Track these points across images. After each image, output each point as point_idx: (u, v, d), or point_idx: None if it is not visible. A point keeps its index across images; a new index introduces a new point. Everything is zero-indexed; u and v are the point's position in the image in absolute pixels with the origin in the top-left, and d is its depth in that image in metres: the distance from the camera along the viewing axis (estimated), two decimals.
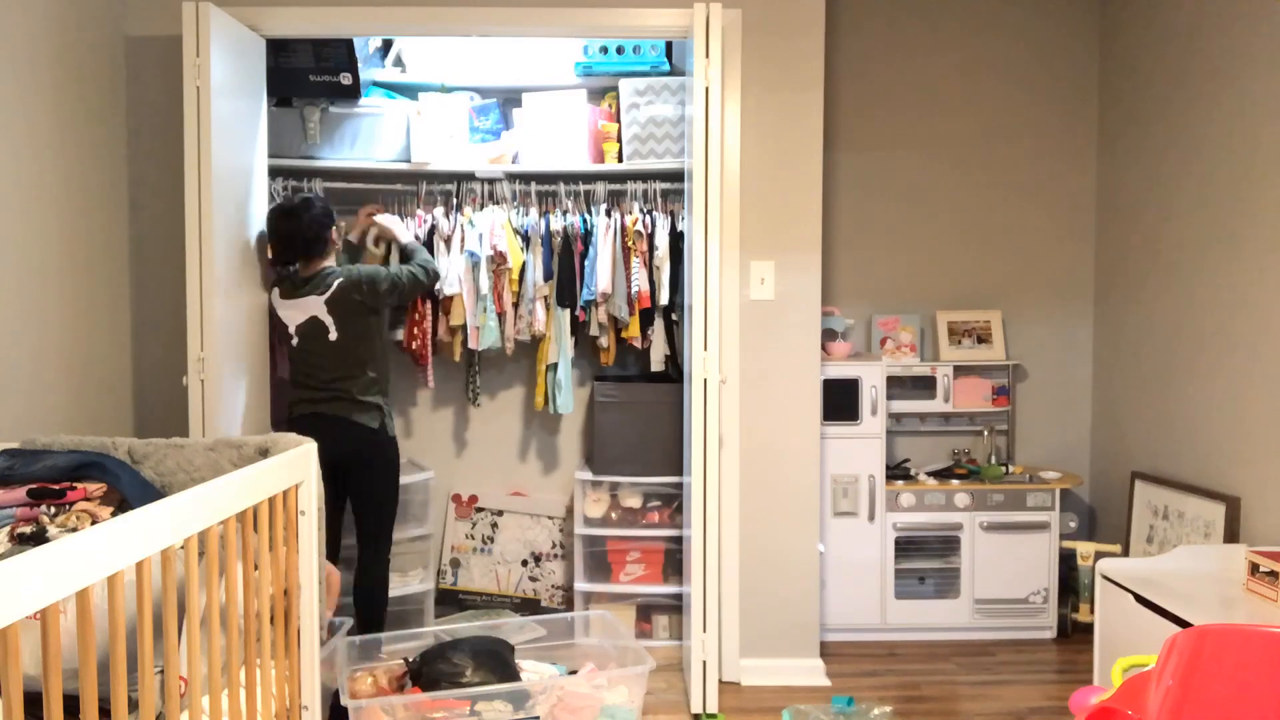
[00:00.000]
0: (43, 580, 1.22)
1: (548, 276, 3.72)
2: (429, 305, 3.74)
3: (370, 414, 3.25)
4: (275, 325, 3.31)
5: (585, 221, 3.76)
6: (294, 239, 3.25)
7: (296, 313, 3.25)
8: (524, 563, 4.02)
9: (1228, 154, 3.22)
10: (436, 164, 3.72)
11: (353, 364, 3.24)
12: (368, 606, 3.30)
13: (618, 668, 2.85)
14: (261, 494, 1.95)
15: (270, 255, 3.34)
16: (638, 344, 3.79)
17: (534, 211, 3.80)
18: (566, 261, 3.72)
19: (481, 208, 3.79)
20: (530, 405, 4.08)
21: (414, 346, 3.76)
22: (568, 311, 3.75)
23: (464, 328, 3.71)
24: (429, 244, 3.69)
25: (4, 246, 2.62)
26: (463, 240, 3.70)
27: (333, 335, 3.22)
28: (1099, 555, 3.52)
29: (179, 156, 2.92)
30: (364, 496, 3.30)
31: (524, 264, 3.72)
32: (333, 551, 3.33)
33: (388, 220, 3.63)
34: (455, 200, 3.82)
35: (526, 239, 3.74)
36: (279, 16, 3.22)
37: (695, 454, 2.99)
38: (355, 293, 3.24)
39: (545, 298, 3.73)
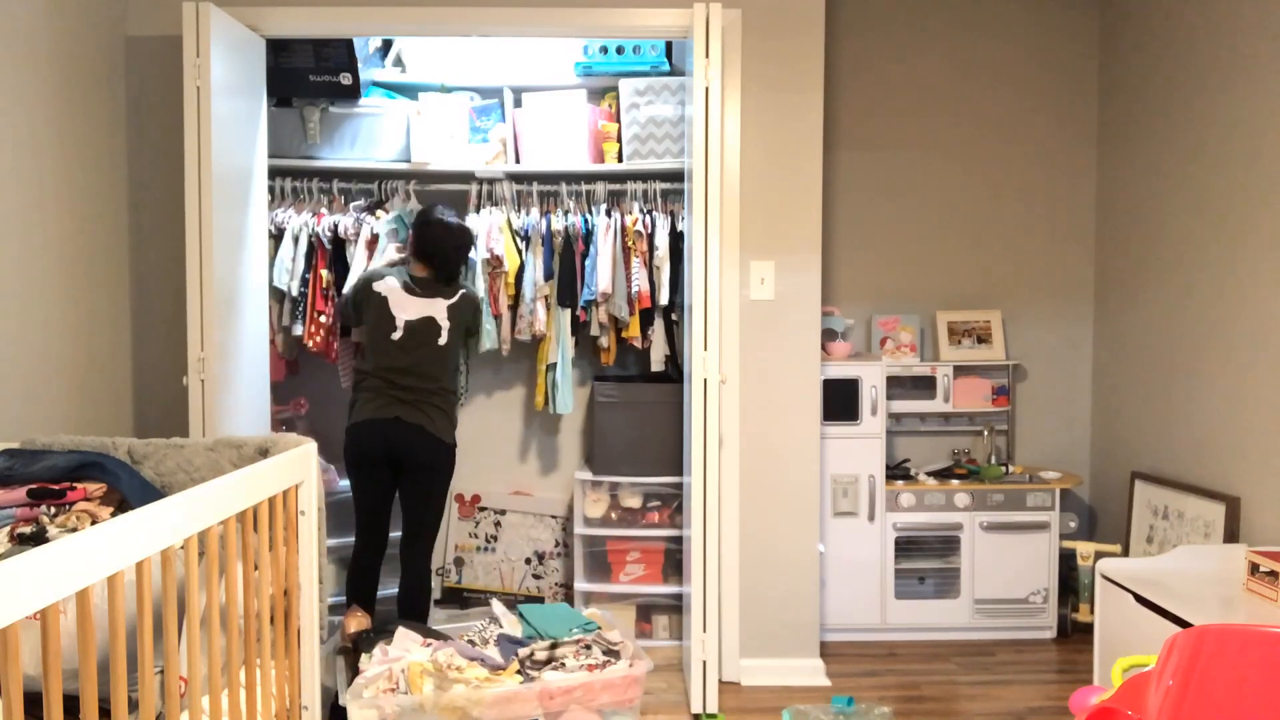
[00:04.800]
0: (43, 580, 1.23)
1: (548, 276, 3.72)
2: (330, 304, 3.69)
3: (445, 424, 3.30)
4: (379, 313, 3.26)
5: (586, 221, 3.76)
6: (452, 259, 3.32)
7: (415, 308, 3.26)
8: (527, 561, 4.03)
9: (1228, 154, 3.22)
10: (436, 164, 3.72)
11: (445, 371, 3.30)
12: (408, 605, 3.30)
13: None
14: (261, 494, 1.96)
15: (419, 260, 3.32)
16: (638, 344, 3.79)
17: (534, 211, 3.80)
18: (568, 261, 3.72)
19: (478, 209, 3.79)
20: (531, 405, 4.08)
21: (314, 344, 3.65)
22: (568, 311, 3.75)
23: None
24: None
25: (4, 246, 2.62)
26: None
27: (443, 339, 3.27)
28: (1099, 555, 3.52)
29: (179, 156, 2.92)
30: (424, 500, 3.32)
31: (521, 265, 3.72)
32: (378, 550, 3.38)
33: None
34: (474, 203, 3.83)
35: (527, 239, 3.74)
36: (279, 16, 3.22)
37: (695, 454, 2.99)
38: (469, 309, 3.34)
39: (545, 297, 3.73)
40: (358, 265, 3.62)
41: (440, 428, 3.28)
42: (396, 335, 3.25)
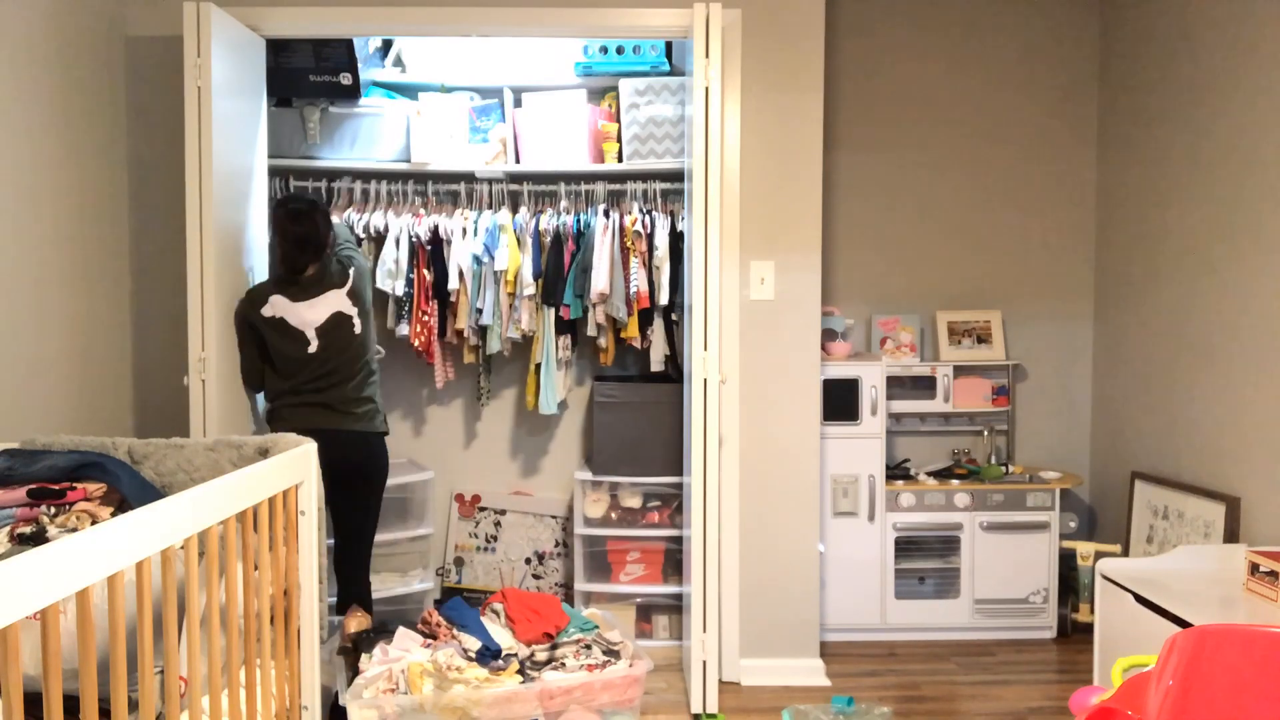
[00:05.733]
0: (43, 580, 1.22)
1: (536, 275, 3.71)
2: (434, 305, 3.74)
3: (377, 420, 3.19)
4: (281, 335, 3.06)
5: (578, 221, 3.76)
6: (309, 241, 3.08)
7: (317, 311, 3.06)
8: (527, 561, 4.03)
9: (1229, 153, 3.22)
10: (436, 164, 3.72)
11: (362, 358, 3.15)
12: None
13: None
14: (261, 494, 1.96)
15: (280, 259, 3.14)
16: (636, 344, 3.79)
17: (524, 210, 3.80)
18: (555, 260, 3.72)
19: (480, 210, 3.79)
20: (525, 405, 4.08)
21: (417, 345, 3.75)
22: (553, 310, 3.75)
23: (465, 329, 3.74)
24: (434, 243, 3.70)
25: (4, 246, 2.62)
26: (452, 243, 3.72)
27: (357, 327, 3.10)
28: (1099, 555, 3.52)
29: (179, 156, 2.92)
30: (361, 504, 3.21)
31: (520, 265, 3.72)
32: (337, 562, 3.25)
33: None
34: (462, 202, 3.84)
35: (519, 239, 3.74)
36: (279, 16, 3.22)
37: (695, 454, 2.99)
38: (362, 281, 3.17)
39: (530, 296, 3.72)
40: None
41: (366, 420, 3.14)
42: (313, 348, 3.05)
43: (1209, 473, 3.30)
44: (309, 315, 3.07)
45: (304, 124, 3.71)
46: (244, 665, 1.92)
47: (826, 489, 3.69)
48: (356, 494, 3.19)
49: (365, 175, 3.80)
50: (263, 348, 3.13)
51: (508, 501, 4.08)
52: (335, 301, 3.10)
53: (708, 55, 2.93)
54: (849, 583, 3.73)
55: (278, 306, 3.07)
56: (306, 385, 3.10)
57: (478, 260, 3.69)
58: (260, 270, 3.33)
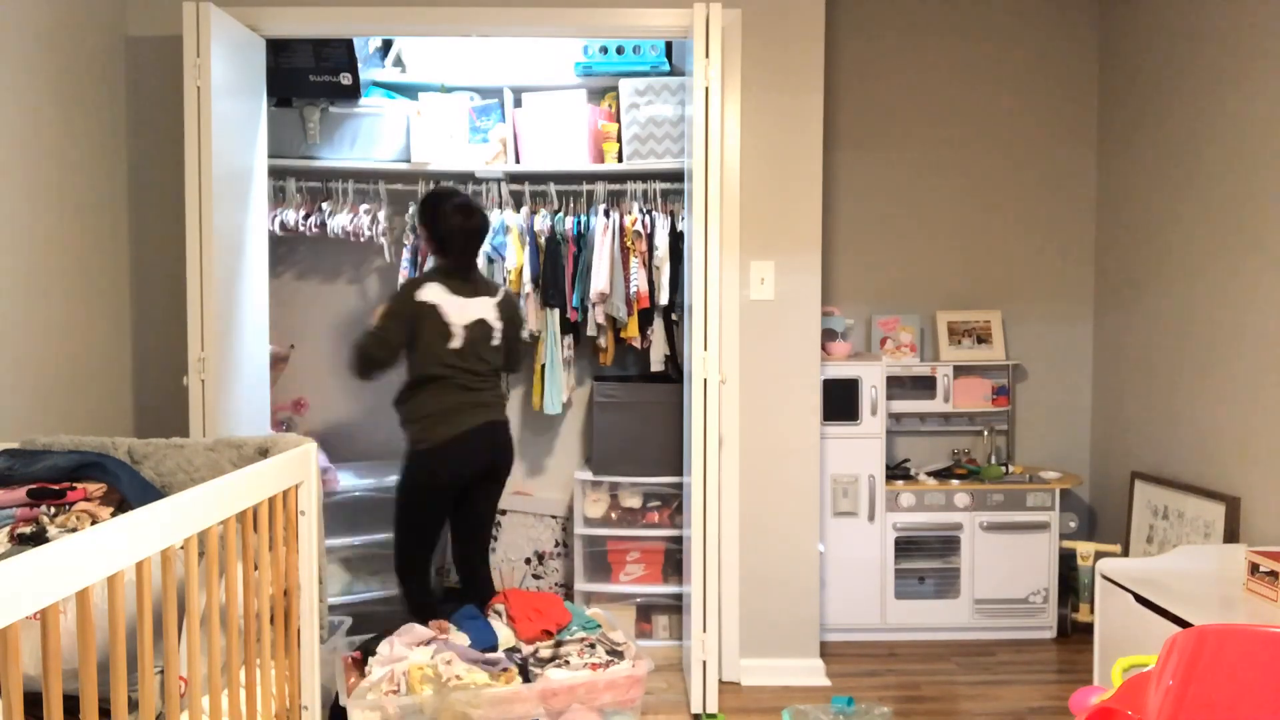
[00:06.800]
0: (43, 580, 1.23)
1: (535, 275, 3.71)
2: None
3: (507, 420, 3.29)
4: (431, 323, 3.03)
5: (580, 221, 3.76)
6: (480, 235, 3.21)
7: (468, 311, 3.09)
8: (527, 561, 4.03)
9: (1229, 154, 3.22)
10: (436, 164, 3.72)
11: (497, 367, 3.23)
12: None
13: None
14: (261, 494, 1.96)
15: (447, 248, 3.13)
16: (636, 344, 3.79)
17: (524, 210, 3.80)
18: (553, 261, 3.72)
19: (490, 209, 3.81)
20: (531, 405, 4.08)
21: None
22: (557, 311, 3.75)
23: None
24: None
25: (4, 246, 2.62)
26: None
27: (496, 340, 3.16)
28: (1099, 555, 3.52)
29: (179, 156, 2.92)
30: (492, 501, 3.30)
31: (523, 265, 3.72)
32: (426, 568, 3.27)
33: None
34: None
35: (521, 239, 3.75)
36: (279, 16, 3.22)
37: (695, 454, 2.99)
38: (512, 306, 3.29)
39: (528, 295, 3.72)
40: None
41: (504, 413, 3.26)
42: (455, 344, 3.05)
43: (1209, 473, 3.30)
44: (462, 312, 3.08)
45: (304, 124, 3.71)
46: (244, 665, 1.92)
47: (826, 489, 3.69)
48: (495, 490, 3.28)
49: (365, 175, 3.80)
50: (411, 335, 3.06)
51: (508, 501, 4.06)
52: (484, 308, 3.14)
53: (708, 55, 2.93)
54: (849, 583, 3.73)
55: (435, 294, 3.07)
56: (464, 382, 3.09)
57: (489, 259, 3.70)
58: (262, 271, 3.33)
